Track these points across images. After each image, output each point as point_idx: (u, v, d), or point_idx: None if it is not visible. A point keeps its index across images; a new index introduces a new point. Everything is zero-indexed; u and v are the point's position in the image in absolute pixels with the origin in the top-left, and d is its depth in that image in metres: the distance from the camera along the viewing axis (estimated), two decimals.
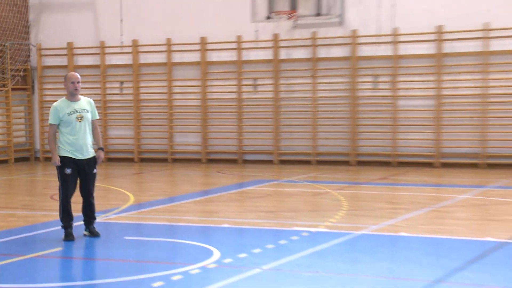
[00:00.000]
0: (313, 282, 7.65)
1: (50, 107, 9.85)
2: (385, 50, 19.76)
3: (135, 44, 21.97)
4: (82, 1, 21.97)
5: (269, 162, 20.78)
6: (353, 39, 19.82)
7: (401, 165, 19.44)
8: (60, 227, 9.96)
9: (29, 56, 23.14)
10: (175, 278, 7.72)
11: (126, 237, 10.21)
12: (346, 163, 19.96)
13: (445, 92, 19.26)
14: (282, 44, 20.62)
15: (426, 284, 7.39)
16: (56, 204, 10.66)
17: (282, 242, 9.52)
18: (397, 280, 7.73)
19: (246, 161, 21.09)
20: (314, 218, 11.34)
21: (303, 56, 20.51)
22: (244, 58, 21.06)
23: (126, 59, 22.22)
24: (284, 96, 20.81)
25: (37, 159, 23.19)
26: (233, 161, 21.09)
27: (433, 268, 8.09)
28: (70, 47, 22.66)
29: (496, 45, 18.65)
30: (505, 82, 18.67)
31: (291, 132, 20.76)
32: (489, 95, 18.85)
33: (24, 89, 23.15)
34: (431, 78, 19.35)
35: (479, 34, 18.72)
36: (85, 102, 9.81)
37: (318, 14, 19.64)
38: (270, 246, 9.25)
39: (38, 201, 14.39)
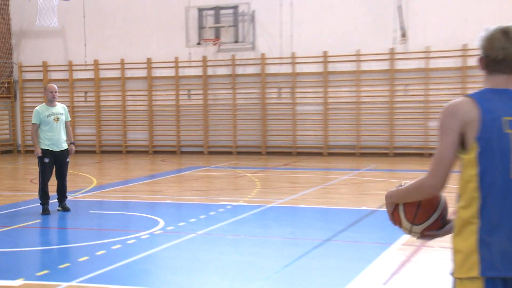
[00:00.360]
0: (235, 243, 7.65)
1: (29, 111, 9.64)
2: (286, 69, 19.87)
3: (96, 63, 21.51)
4: (54, 29, 21.34)
5: (201, 153, 20.66)
6: (262, 60, 19.87)
7: (299, 154, 19.60)
8: (39, 204, 9.75)
9: (12, 71, 22.44)
10: (130, 242, 7.61)
11: (91, 211, 10.02)
12: (259, 153, 20.01)
13: (330, 100, 19.48)
14: (209, 63, 20.50)
15: (319, 243, 7.48)
16: (35, 187, 10.42)
17: (212, 213, 9.49)
18: (297, 240, 7.80)
19: (182, 152, 20.91)
20: (235, 195, 11.33)
21: (225, 73, 20.44)
22: (180, 74, 20.86)
23: (89, 75, 21.75)
24: (211, 103, 20.72)
25: (18, 151, 22.52)
26: (173, 152, 20.89)
27: (323, 230, 8.19)
28: (44, 65, 22.03)
29: (365, 66, 18.98)
30: (373, 93, 19.02)
31: (216, 130, 20.67)
32: (360, 103, 19.15)
33: (8, 97, 22.43)
34: (320, 90, 19.53)
35: (353, 58, 19.02)
36: (60, 107, 9.82)
37: (236, 41, 19.59)
38: (202, 216, 9.21)
39: (20, 184, 13.97)
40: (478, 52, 2.80)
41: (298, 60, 19.62)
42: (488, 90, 2.74)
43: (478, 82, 17.91)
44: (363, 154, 19.05)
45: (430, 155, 18.25)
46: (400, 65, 18.74)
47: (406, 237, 7.57)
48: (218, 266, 6.55)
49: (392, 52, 18.64)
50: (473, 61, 17.87)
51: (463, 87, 18.02)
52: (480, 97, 2.69)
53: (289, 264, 6.54)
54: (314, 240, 7.60)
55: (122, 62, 21.27)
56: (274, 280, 6.05)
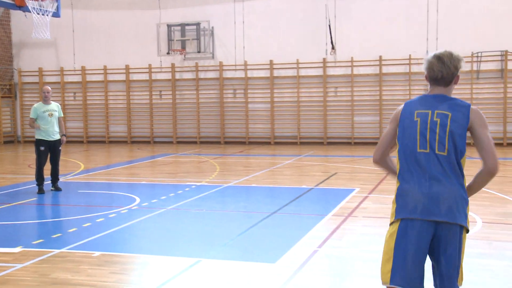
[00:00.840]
0: (199, 216, 7.53)
1: (27, 108, 9.38)
2: (239, 74, 19.75)
3: (83, 69, 20.92)
4: (48, 40, 20.60)
5: (170, 142, 20.36)
6: (220, 67, 19.69)
7: (251, 143, 19.55)
8: (35, 185, 9.43)
9: (12, 76, 21.63)
10: (111, 215, 7.42)
11: (79, 191, 9.73)
12: (218, 142, 19.86)
13: (276, 99, 19.46)
14: (177, 69, 20.18)
15: (267, 215, 7.43)
16: (32, 171, 10.09)
17: (179, 192, 9.34)
18: (249, 213, 7.73)
19: (155, 142, 20.57)
20: (199, 177, 11.20)
21: (190, 77, 20.18)
22: (153, 78, 20.47)
23: (77, 78, 21.13)
24: (179, 101, 20.42)
25: (18, 141, 21.75)
26: (147, 142, 20.53)
27: (271, 205, 8.16)
28: (40, 70, 21.30)
29: (303, 72, 19.02)
30: (310, 94, 19.10)
31: (183, 124, 20.40)
32: (300, 101, 19.20)
33: (10, 97, 21.63)
34: (267, 91, 19.50)
35: (294, 65, 19.03)
36: (54, 105, 9.60)
37: (199, 52, 19.32)
38: (171, 194, 9.05)
39: (19, 168, 13.48)
40: (424, 70, 3.19)
41: (249, 67, 19.53)
42: (424, 95, 3.17)
43: (391, 85, 18.18)
44: (303, 143, 19.13)
45: (356, 143, 18.47)
46: (331, 71, 18.85)
47: (337, 209, 7.62)
48: (185, 235, 6.44)
49: (324, 61, 18.72)
50: (387, 69, 18.14)
51: (380, 89, 18.25)
52: (409, 101, 3.16)
53: (242, 233, 6.48)
54: (263, 213, 7.55)
55: (105, 68, 20.77)
56: (230, 246, 5.97)
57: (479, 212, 7.32)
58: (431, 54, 3.14)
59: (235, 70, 19.76)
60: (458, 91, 17.42)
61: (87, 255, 5.57)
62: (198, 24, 19.27)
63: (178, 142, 20.33)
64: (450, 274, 2.97)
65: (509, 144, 17.13)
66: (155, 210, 7.79)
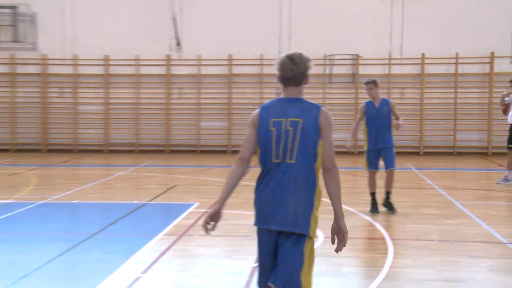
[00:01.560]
0: (0, 242, 6.91)
1: None
2: (68, 70, 18.86)
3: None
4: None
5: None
6: (44, 61, 18.67)
7: (80, 152, 18.71)
8: None
9: None
10: None
11: None
12: (39, 150, 18.70)
13: (111, 101, 18.89)
14: None
15: (86, 237, 7.08)
16: None
17: None
18: (64, 235, 7.30)
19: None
20: (7, 193, 10.35)
21: (4, 71, 18.84)
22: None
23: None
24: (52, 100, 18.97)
25: None
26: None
27: (92, 224, 7.81)
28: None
29: (144, 70, 18.75)
30: (152, 95, 18.86)
31: (56, 128, 18.98)
32: (140, 103, 18.82)
33: None
34: (101, 90, 18.84)
35: (133, 62, 18.66)
36: None
37: (16, 41, 18.02)
38: None
39: None
40: (275, 71, 3.59)
41: (80, 62, 18.77)
42: (278, 99, 3.58)
43: (242, 87, 18.65)
44: (142, 151, 18.79)
45: (202, 152, 18.61)
46: (176, 70, 18.83)
47: (170, 228, 7.50)
48: None
49: (168, 59, 18.64)
50: (237, 69, 18.60)
51: (230, 91, 18.63)
52: (265, 106, 3.58)
53: (52, 260, 6.06)
54: (81, 234, 7.17)
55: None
56: (33, 276, 5.54)
57: (321, 226, 7.69)
58: (283, 54, 3.59)
59: (63, 65, 18.85)
60: (310, 96, 18.41)
61: None
62: (14, 8, 18.02)
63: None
64: (285, 283, 3.39)
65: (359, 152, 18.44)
66: None
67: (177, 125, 18.93)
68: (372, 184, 8.80)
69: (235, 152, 18.33)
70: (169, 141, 18.87)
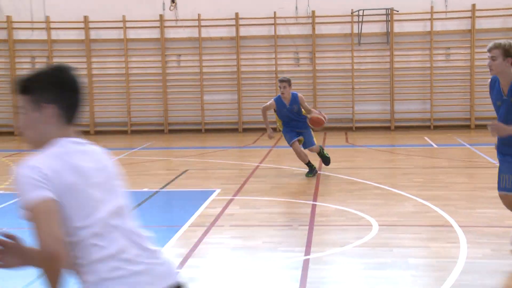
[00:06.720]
0: None
1: None
2: (39, 35, 18.97)
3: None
4: None
5: None
6: (9, 24, 18.83)
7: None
8: None
9: None
10: None
11: None
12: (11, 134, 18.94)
13: (95, 72, 19.06)
14: None
15: None
16: None
17: None
18: None
19: None
20: None
21: None
22: None
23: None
24: None
25: None
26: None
27: None
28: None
29: (132, 34, 18.87)
30: (144, 64, 19.00)
31: None
32: (130, 74, 19.00)
33: None
34: (82, 60, 18.92)
35: (119, 25, 18.77)
36: None
37: None
38: None
39: None
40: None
41: (53, 25, 18.88)
42: None
43: (251, 52, 18.77)
44: (135, 132, 18.97)
45: (207, 130, 18.81)
46: (171, 33, 18.95)
47: (194, 218, 7.72)
48: None
49: (161, 19, 18.75)
50: (246, 30, 18.66)
51: (237, 57, 18.74)
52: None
53: None
54: None
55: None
56: None
57: (372, 213, 7.91)
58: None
59: (32, 29, 18.96)
60: (336, 60, 18.57)
61: None
62: None
63: None
64: None
65: (397, 128, 18.62)
66: None
67: (176, 99, 19.12)
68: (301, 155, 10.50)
69: (247, 130, 18.54)
70: (168, 118, 19.06)
